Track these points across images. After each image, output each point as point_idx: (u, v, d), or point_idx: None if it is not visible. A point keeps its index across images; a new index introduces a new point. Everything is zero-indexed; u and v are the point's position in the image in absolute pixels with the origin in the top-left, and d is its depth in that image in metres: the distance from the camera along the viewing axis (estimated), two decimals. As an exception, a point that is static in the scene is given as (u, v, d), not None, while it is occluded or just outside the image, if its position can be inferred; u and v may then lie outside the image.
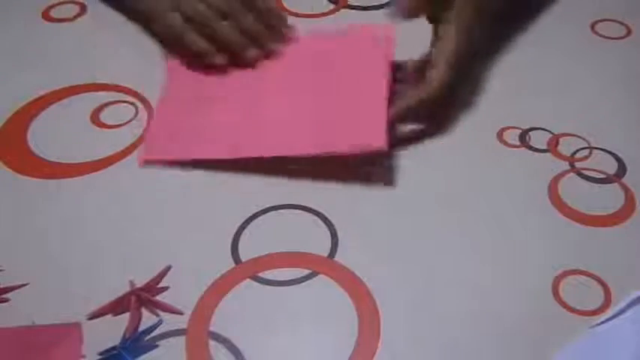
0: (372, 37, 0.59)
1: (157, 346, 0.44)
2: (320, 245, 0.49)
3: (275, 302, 0.46)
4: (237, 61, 0.59)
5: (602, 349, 0.42)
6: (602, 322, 0.44)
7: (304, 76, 0.59)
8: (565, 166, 0.55)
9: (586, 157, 0.55)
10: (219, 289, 0.47)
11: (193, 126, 0.57)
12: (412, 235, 0.50)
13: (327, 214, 0.52)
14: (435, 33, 0.57)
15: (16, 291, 0.47)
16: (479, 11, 0.57)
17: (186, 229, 0.51)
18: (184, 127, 0.58)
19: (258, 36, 0.58)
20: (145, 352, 0.43)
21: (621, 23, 0.70)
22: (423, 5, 0.56)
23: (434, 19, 0.57)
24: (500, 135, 0.58)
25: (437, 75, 0.55)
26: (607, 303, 0.45)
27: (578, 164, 0.55)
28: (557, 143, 0.57)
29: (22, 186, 0.55)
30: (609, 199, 0.52)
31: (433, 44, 0.57)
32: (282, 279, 0.47)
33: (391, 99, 0.55)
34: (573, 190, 0.53)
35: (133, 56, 0.66)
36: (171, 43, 0.63)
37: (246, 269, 0.48)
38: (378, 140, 0.51)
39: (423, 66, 0.56)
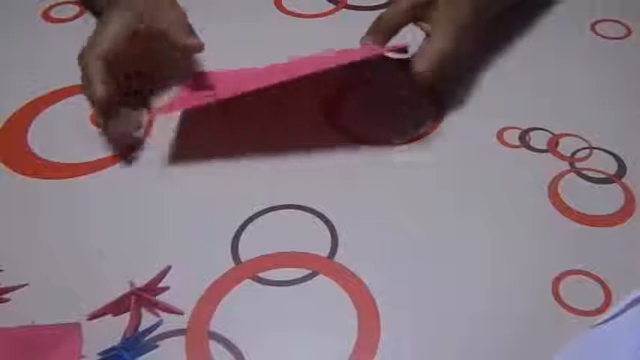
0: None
1: (156, 346, 0.44)
2: (320, 245, 0.49)
3: (275, 302, 0.46)
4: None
5: (602, 349, 0.42)
6: (602, 322, 0.44)
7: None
8: (565, 166, 0.55)
9: (586, 157, 0.55)
10: (219, 289, 0.47)
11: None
12: (412, 235, 0.50)
13: (327, 214, 0.52)
14: (427, 33, 0.57)
15: (16, 291, 0.47)
16: (476, 12, 0.57)
17: (186, 229, 0.51)
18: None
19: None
20: (145, 352, 0.43)
21: (621, 23, 0.70)
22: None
23: (424, 19, 0.57)
24: (500, 135, 0.58)
25: (424, 67, 0.55)
26: (607, 303, 0.45)
27: (578, 164, 0.55)
28: (557, 143, 0.57)
29: (22, 186, 0.55)
30: (609, 199, 0.52)
31: (423, 43, 0.57)
32: (282, 279, 0.47)
33: None
34: (573, 190, 0.53)
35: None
36: None
37: (246, 269, 0.48)
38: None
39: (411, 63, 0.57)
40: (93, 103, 0.55)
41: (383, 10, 0.59)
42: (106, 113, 0.56)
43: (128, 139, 0.57)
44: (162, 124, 0.59)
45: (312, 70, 0.53)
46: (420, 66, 0.55)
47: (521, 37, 0.68)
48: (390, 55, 0.58)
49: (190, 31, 0.58)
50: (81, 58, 0.56)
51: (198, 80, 0.60)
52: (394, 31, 0.58)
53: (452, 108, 0.60)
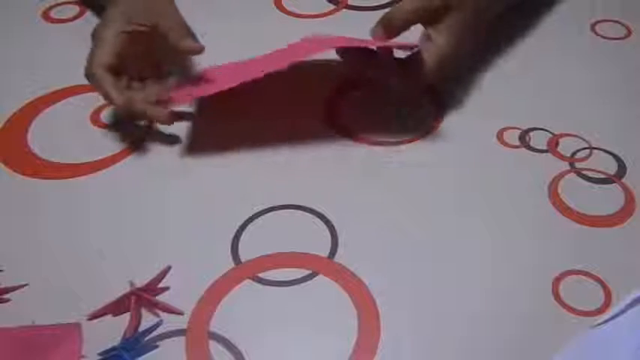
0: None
1: (156, 346, 0.44)
2: (320, 245, 0.49)
3: (275, 302, 0.46)
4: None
5: (602, 350, 0.42)
6: (602, 323, 0.44)
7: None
8: (565, 166, 0.55)
9: (586, 157, 0.55)
10: (219, 289, 0.47)
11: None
12: (412, 235, 0.50)
13: (327, 214, 0.52)
14: (427, 34, 0.57)
15: (16, 291, 0.47)
16: (477, 13, 0.57)
17: (186, 229, 0.51)
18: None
19: None
20: (145, 353, 0.43)
21: (621, 24, 0.70)
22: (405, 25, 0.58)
23: (426, 21, 0.57)
24: (500, 135, 0.58)
25: (423, 75, 0.55)
26: (607, 303, 0.45)
27: (578, 164, 0.55)
28: (557, 143, 0.57)
29: (22, 186, 0.55)
30: (609, 199, 0.52)
31: (423, 44, 0.57)
32: (282, 279, 0.47)
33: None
34: (573, 190, 0.53)
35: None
36: None
37: (246, 269, 0.48)
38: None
39: (411, 63, 0.57)
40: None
41: (389, 9, 0.58)
42: (132, 116, 0.57)
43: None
44: (162, 125, 0.59)
45: (314, 51, 0.54)
46: (422, 66, 0.55)
47: (521, 38, 0.68)
48: (396, 52, 0.57)
49: (189, 34, 0.58)
50: (86, 72, 0.56)
51: (199, 78, 0.60)
52: (400, 29, 0.58)
53: (452, 108, 0.60)
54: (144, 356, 0.43)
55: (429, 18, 0.56)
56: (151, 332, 0.44)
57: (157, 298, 0.46)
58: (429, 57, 0.55)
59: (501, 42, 0.67)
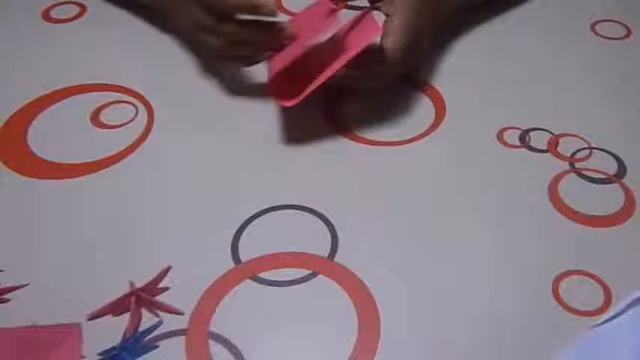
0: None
1: (157, 346, 0.44)
2: (320, 245, 0.49)
3: (275, 302, 0.46)
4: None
5: (602, 350, 0.42)
6: (602, 323, 0.44)
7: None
8: (565, 166, 0.55)
9: (586, 158, 0.55)
10: (219, 289, 0.47)
11: None
12: (412, 235, 0.50)
13: (327, 214, 0.52)
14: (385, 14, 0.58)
15: (16, 291, 0.47)
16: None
17: (186, 229, 0.51)
18: None
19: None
20: (145, 352, 0.43)
21: (621, 23, 0.70)
22: None
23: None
24: (500, 135, 0.58)
25: (391, 43, 0.56)
26: (607, 303, 0.45)
27: (578, 164, 0.55)
28: (557, 143, 0.57)
29: (22, 186, 0.55)
30: (609, 199, 0.52)
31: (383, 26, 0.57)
32: (282, 279, 0.47)
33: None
34: (573, 190, 0.53)
35: (133, 56, 0.67)
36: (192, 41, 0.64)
37: (246, 269, 0.48)
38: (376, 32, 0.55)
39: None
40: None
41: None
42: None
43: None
44: (163, 126, 0.59)
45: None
46: (387, 43, 0.55)
47: (521, 38, 0.68)
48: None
49: None
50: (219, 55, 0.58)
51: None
52: None
53: (452, 108, 0.60)
54: (144, 356, 0.43)
55: None
56: (151, 332, 0.44)
57: (156, 298, 0.46)
58: (393, 33, 0.55)
59: (501, 43, 0.67)
